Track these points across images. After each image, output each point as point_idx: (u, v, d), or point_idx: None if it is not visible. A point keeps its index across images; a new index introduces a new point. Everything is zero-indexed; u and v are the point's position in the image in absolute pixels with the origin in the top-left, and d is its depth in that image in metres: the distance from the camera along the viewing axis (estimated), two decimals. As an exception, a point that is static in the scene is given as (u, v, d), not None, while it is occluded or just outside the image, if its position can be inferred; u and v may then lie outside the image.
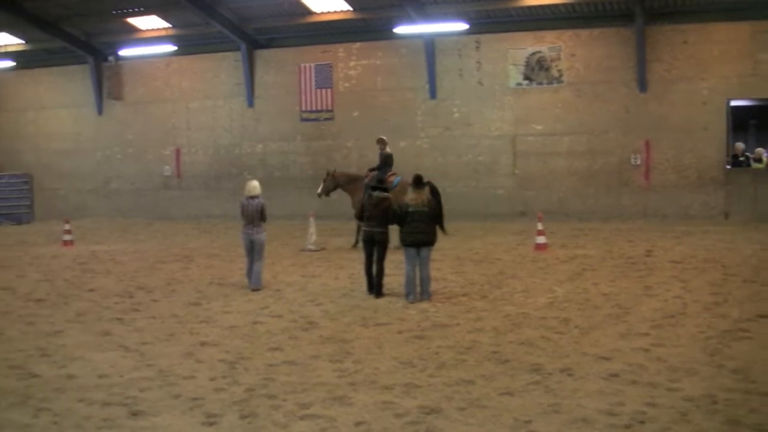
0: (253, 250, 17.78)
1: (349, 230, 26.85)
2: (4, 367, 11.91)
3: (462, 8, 29.06)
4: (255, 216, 17.66)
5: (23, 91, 38.71)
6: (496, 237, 25.53)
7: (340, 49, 32.34)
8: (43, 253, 25.27)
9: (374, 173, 23.49)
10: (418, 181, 16.42)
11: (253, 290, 17.50)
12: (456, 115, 30.78)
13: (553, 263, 20.19)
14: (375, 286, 16.60)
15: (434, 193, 19.09)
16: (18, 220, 35.20)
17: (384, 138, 24.96)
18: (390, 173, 23.88)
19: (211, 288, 18.26)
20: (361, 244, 17.85)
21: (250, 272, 17.91)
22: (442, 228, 17.98)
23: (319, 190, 25.14)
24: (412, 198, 16.25)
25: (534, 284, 17.50)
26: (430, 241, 16.24)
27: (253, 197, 17.74)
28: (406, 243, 16.13)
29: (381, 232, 16.64)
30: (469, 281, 18.08)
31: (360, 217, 16.98)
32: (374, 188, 17.27)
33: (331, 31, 32.13)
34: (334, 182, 25.22)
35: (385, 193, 17.09)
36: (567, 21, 29.19)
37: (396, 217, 16.26)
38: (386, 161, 24.12)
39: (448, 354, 11.94)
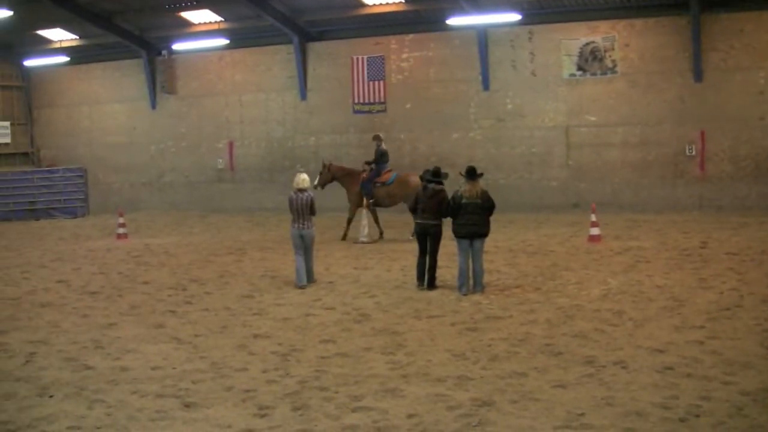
0: (303, 246, 17.45)
1: (403, 222, 26.81)
2: (60, 359, 12.07)
3: (515, -2, 28.95)
4: (304, 210, 17.34)
5: (78, 86, 39.08)
6: (550, 229, 25.37)
7: (393, 41, 32.26)
8: (97, 246, 25.54)
9: (372, 167, 24.63)
10: (471, 173, 16.30)
11: (301, 287, 17.19)
12: (509, 106, 30.59)
13: (607, 255, 20.05)
14: (428, 279, 16.51)
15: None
16: (73, 214, 35.56)
17: (380, 134, 25.75)
18: (386, 170, 24.69)
19: (264, 280, 18.36)
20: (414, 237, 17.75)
21: (299, 269, 17.47)
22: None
23: (316, 182, 24.72)
24: (466, 189, 16.12)
25: (588, 276, 17.40)
26: (483, 233, 16.18)
27: (301, 190, 17.40)
28: (459, 235, 16.06)
29: (435, 224, 16.54)
30: (522, 273, 18.02)
31: (413, 210, 16.76)
32: (429, 181, 16.91)
33: (384, 23, 32.02)
34: (330, 175, 25.37)
35: (440, 186, 16.81)
36: (621, 10, 28.84)
37: (449, 209, 16.20)
38: (381, 157, 24.66)
39: (500, 346, 11.92)
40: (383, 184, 24.51)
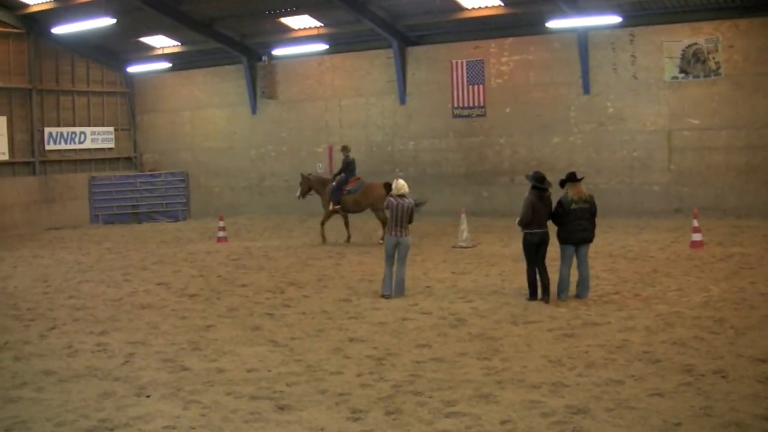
0: (398, 254, 16.86)
1: (501, 227, 26.71)
2: (158, 359, 12.26)
3: (615, 1, 28.45)
4: (405, 217, 16.72)
5: (179, 91, 39.71)
6: (651, 234, 24.99)
7: (492, 45, 32.11)
8: (197, 249, 25.91)
9: (339, 177, 26.24)
10: (573, 177, 15.96)
11: (386, 296, 16.73)
12: (610, 110, 30.20)
13: (709, 261, 19.67)
14: (545, 290, 15.80)
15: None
16: (174, 218, 36.13)
17: (347, 145, 27.34)
18: (354, 178, 26.28)
19: (362, 284, 18.39)
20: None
21: (387, 277, 16.92)
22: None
23: (298, 194, 27.58)
24: (574, 194, 15.73)
25: (688, 283, 17.08)
26: (591, 238, 15.94)
27: (402, 196, 16.83)
28: (569, 241, 15.74)
29: (546, 232, 15.93)
30: (621, 279, 17.77)
31: (528, 223, 15.87)
32: (542, 188, 15.91)
33: (483, 27, 31.91)
34: (308, 184, 27.39)
35: (548, 192, 16.07)
36: (725, 11, 28.25)
37: (557, 215, 15.79)
38: (348, 167, 26.30)
39: (597, 353, 11.76)
40: (350, 191, 26.01)
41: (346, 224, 26.48)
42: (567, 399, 9.77)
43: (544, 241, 15.85)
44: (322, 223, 26.58)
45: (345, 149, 26.86)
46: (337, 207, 26.06)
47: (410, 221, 16.93)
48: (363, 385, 10.65)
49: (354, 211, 26.47)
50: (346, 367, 11.51)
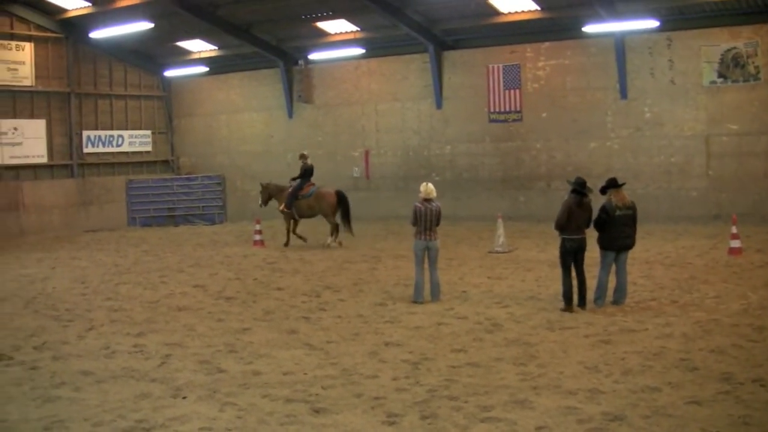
0: (429, 258, 16.80)
1: (537, 232, 26.62)
2: (194, 361, 12.32)
3: (653, 5, 28.28)
4: (433, 221, 16.63)
5: (216, 95, 39.90)
6: (688, 240, 24.82)
7: (528, 49, 32.03)
8: (234, 252, 26.04)
9: (296, 182, 27.17)
10: (615, 183, 15.81)
11: (418, 303, 16.59)
12: (647, 115, 30.03)
13: (748, 268, 19.50)
14: (582, 298, 15.58)
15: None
16: (211, 221, 36.28)
17: (305, 153, 28.09)
18: (308, 184, 27.10)
19: (398, 288, 18.38)
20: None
21: (418, 283, 16.83)
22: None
23: (260, 202, 28.76)
24: (618, 200, 15.61)
25: (727, 290, 16.94)
26: (632, 245, 15.85)
27: (429, 200, 16.64)
28: (610, 247, 15.63)
29: (584, 238, 15.69)
30: (658, 285, 17.66)
31: (563, 227, 15.68)
32: (581, 193, 15.62)
33: (519, 31, 31.80)
34: (267, 192, 28.44)
35: (588, 198, 15.80)
36: (765, 15, 27.91)
37: (601, 221, 15.55)
38: (305, 173, 27.20)
39: (634, 360, 11.69)
40: (304, 196, 26.90)
41: (292, 230, 27.33)
42: (603, 406, 9.72)
43: (581, 248, 15.67)
44: (294, 231, 27.29)
45: (303, 157, 27.64)
46: (288, 210, 26.93)
47: (438, 224, 16.83)
48: (398, 389, 10.65)
49: (308, 216, 27.40)
50: (381, 371, 11.52)
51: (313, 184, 27.17)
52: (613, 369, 11.26)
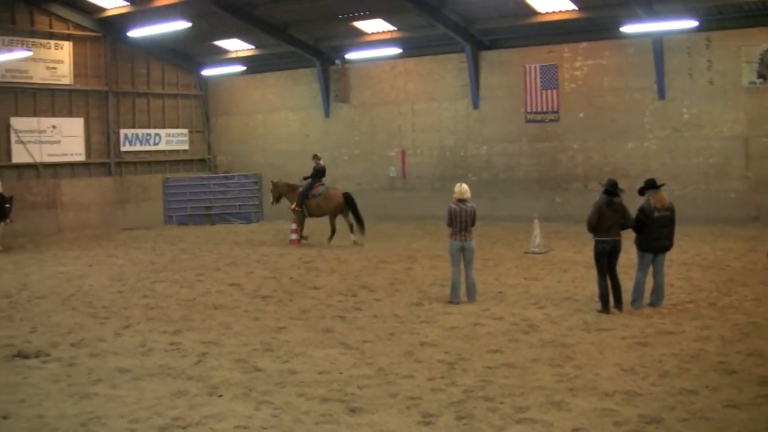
0: (464, 259, 16.76)
1: (574, 233, 26.50)
2: (230, 360, 12.37)
3: (691, 5, 28.05)
4: (467, 222, 16.56)
5: (253, 94, 40.04)
6: (727, 242, 24.61)
7: (566, 49, 31.89)
8: (270, 251, 26.12)
9: (307, 181, 28.09)
10: (653, 184, 15.71)
11: (454, 303, 16.57)
12: (685, 115, 29.79)
13: (788, 270, 19.35)
14: (617, 299, 15.48)
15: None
16: (247, 219, 36.40)
17: (318, 154, 29.29)
18: (318, 184, 28.03)
19: (434, 289, 18.36)
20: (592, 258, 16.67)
21: (455, 284, 16.82)
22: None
23: (271, 200, 29.80)
24: (657, 201, 15.52)
25: (766, 292, 16.82)
26: (670, 247, 15.76)
27: (463, 201, 16.62)
28: (647, 249, 15.54)
29: (620, 240, 15.59)
30: (696, 288, 17.54)
31: (593, 227, 15.64)
32: (613, 194, 15.63)
33: (556, 31, 31.67)
34: (278, 190, 29.26)
35: (619, 198, 15.68)
36: (806, 14, 27.80)
37: (640, 222, 15.46)
38: (317, 173, 28.11)
39: (671, 362, 11.62)
40: (314, 196, 27.85)
41: (301, 228, 28.13)
42: (640, 408, 9.65)
43: (615, 250, 15.58)
44: (300, 228, 28.07)
45: (316, 157, 28.59)
46: (299, 208, 27.77)
47: (473, 224, 16.77)
48: (434, 389, 10.64)
49: (316, 215, 28.30)
50: (417, 371, 11.50)
51: (323, 184, 28.10)
52: (650, 371, 11.19)
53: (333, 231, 27.22)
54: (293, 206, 28.04)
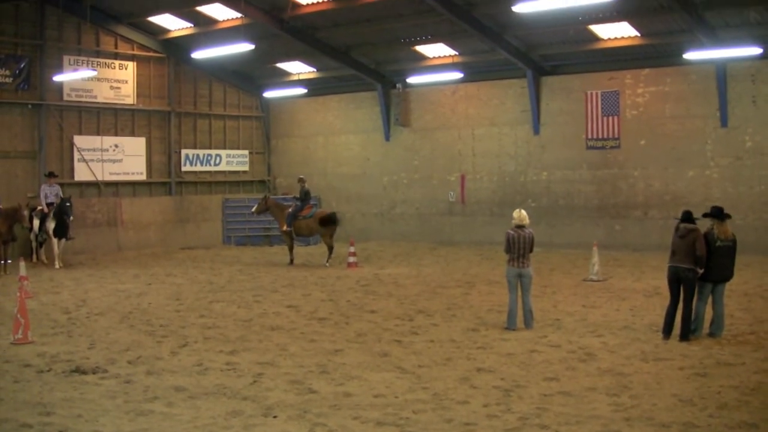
0: (522, 286, 16.67)
1: (633, 261, 26.28)
2: (286, 381, 12.38)
3: (756, 32, 27.75)
4: (526, 248, 16.53)
5: (314, 117, 40.22)
6: (789, 273, 24.30)
7: (628, 76, 31.68)
8: (328, 273, 26.14)
9: (297, 203, 29.71)
10: (720, 213, 15.59)
11: (510, 330, 16.45)
12: (748, 144, 29.43)
13: None
14: (683, 330, 15.26)
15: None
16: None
17: (303, 177, 30.94)
18: (308, 205, 29.77)
19: (491, 314, 18.28)
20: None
21: (512, 311, 16.77)
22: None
23: (254, 209, 31.10)
24: (720, 231, 15.43)
25: (828, 324, 16.54)
26: (730, 277, 15.62)
27: (522, 227, 16.61)
28: (707, 278, 15.39)
29: (688, 269, 15.31)
30: (757, 319, 17.30)
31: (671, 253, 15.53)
32: (683, 220, 15.66)
33: (618, 57, 31.53)
34: (266, 204, 30.64)
35: (693, 225, 15.58)
36: None
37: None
38: (305, 196, 29.68)
39: (731, 394, 11.46)
40: (304, 217, 29.29)
41: (291, 247, 29.60)
42: (698, 440, 9.54)
43: (678, 277, 15.41)
44: (290, 249, 29.56)
45: (301, 180, 30.21)
46: (289, 229, 29.19)
47: (531, 251, 16.73)
48: (489, 415, 10.58)
49: (306, 235, 30.69)
50: (472, 397, 11.45)
51: (312, 206, 30.12)
52: (709, 403, 11.04)
53: (330, 249, 28.71)
54: (283, 227, 29.47)
